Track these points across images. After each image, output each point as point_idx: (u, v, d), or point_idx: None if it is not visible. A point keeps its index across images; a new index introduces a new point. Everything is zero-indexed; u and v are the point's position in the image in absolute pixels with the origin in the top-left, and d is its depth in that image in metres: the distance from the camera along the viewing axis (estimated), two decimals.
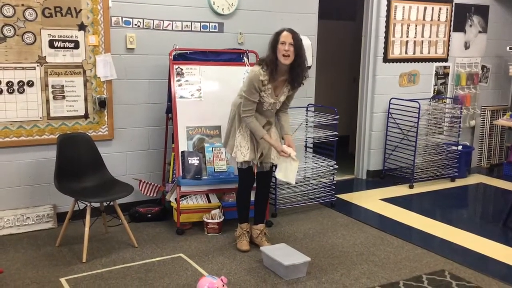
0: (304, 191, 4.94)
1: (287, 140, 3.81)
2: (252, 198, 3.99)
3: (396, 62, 5.88)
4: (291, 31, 3.56)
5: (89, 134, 4.19)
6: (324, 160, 4.94)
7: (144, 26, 4.45)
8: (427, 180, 5.81)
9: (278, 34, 3.57)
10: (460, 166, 5.97)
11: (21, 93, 4.05)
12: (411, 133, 5.67)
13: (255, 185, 3.96)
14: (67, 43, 4.14)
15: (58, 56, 4.13)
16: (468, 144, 6.48)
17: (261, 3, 4.95)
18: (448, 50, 6.24)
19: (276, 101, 3.71)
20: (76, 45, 4.18)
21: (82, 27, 4.18)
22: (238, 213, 3.97)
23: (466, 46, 6.42)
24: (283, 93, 3.73)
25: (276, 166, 3.86)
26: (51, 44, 4.09)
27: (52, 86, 4.15)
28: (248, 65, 4.53)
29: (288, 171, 3.72)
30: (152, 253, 3.79)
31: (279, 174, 3.77)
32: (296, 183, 4.92)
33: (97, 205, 3.95)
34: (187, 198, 4.25)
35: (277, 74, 3.61)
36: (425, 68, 6.11)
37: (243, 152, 3.71)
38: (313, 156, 5.10)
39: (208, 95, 4.41)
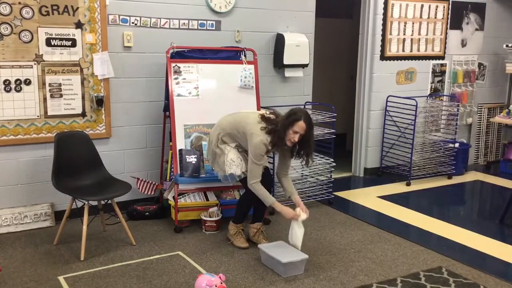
0: (301, 188, 4.94)
1: (296, 200, 3.78)
2: None
3: (393, 60, 5.89)
4: (307, 121, 3.52)
5: (86, 133, 4.19)
6: (321, 157, 4.95)
7: (142, 24, 4.44)
8: (424, 178, 5.83)
9: (295, 120, 3.51)
10: (457, 164, 5.99)
11: (18, 91, 4.04)
12: (408, 130, 5.68)
13: None
14: (64, 41, 4.14)
15: (55, 54, 4.12)
16: (465, 141, 6.49)
17: (259, 1, 4.95)
18: (445, 47, 6.25)
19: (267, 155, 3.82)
20: (73, 43, 4.18)
21: (79, 25, 4.17)
22: (237, 214, 3.96)
23: (463, 44, 6.43)
24: (276, 154, 3.80)
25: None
26: (48, 42, 4.08)
27: (50, 85, 4.14)
28: (245, 63, 4.53)
29: (294, 236, 3.65)
30: (150, 251, 3.79)
31: (291, 239, 3.68)
32: (293, 180, 4.94)
33: (95, 203, 3.95)
34: (185, 196, 4.25)
35: (277, 149, 3.68)
36: (422, 66, 6.13)
37: (237, 165, 3.74)
38: None
39: (206, 93, 4.41)
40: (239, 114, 3.86)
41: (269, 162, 3.99)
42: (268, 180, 3.96)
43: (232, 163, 3.74)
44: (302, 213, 3.63)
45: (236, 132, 3.74)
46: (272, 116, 3.67)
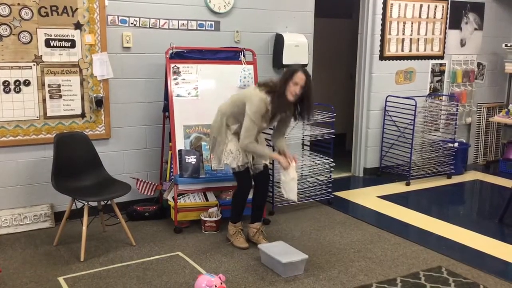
0: (301, 189, 4.94)
1: (283, 151, 3.82)
2: (250, 197, 4.00)
3: (392, 60, 5.89)
4: (306, 74, 3.56)
5: (86, 133, 4.19)
6: (321, 158, 4.95)
7: (141, 25, 4.44)
8: (424, 177, 5.83)
9: (293, 73, 3.54)
10: (456, 163, 5.99)
11: (17, 92, 4.04)
12: (407, 130, 5.69)
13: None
14: (63, 42, 4.14)
15: (55, 55, 4.12)
16: (464, 141, 6.50)
17: (258, 2, 4.95)
18: (444, 47, 6.26)
19: (266, 126, 3.77)
20: (73, 44, 4.18)
21: (78, 26, 4.17)
22: (233, 213, 3.97)
23: (462, 44, 6.44)
24: (276, 119, 3.78)
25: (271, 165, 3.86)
26: (48, 43, 4.08)
27: (49, 85, 4.14)
28: (244, 63, 4.54)
29: (288, 190, 3.72)
30: (150, 252, 3.79)
31: (286, 193, 3.76)
32: None
33: (94, 204, 3.96)
34: (185, 196, 4.25)
35: (280, 107, 3.64)
36: (421, 66, 6.13)
37: (235, 157, 3.74)
38: (310, 154, 5.10)
39: (205, 94, 4.41)
40: (235, 94, 3.92)
41: (269, 163, 3.97)
42: (264, 179, 3.96)
43: (229, 154, 3.74)
44: (292, 163, 3.68)
45: (236, 109, 3.72)
46: (269, 82, 3.68)
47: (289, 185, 3.69)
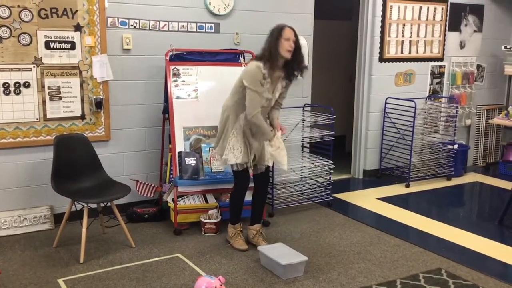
0: (301, 190, 4.95)
1: (275, 123, 3.85)
2: (249, 198, 4.00)
3: (392, 62, 5.89)
4: (291, 27, 3.62)
5: (85, 135, 4.19)
6: (320, 159, 4.95)
7: (140, 27, 4.45)
8: (423, 179, 5.83)
9: (280, 30, 3.59)
10: (456, 165, 5.99)
11: (17, 94, 4.04)
12: (407, 132, 5.69)
13: (251, 185, 3.96)
14: (63, 44, 4.14)
15: (54, 57, 4.13)
16: (464, 143, 6.50)
17: (257, 4, 4.96)
18: (443, 49, 6.27)
19: (272, 97, 3.72)
20: (72, 46, 4.18)
21: (78, 28, 4.18)
22: (231, 214, 3.97)
23: (462, 46, 6.44)
24: (277, 90, 3.74)
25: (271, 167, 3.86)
26: (47, 45, 4.09)
27: (49, 87, 4.14)
28: (244, 65, 4.53)
29: (278, 159, 3.76)
30: (149, 254, 3.79)
31: (276, 162, 3.82)
32: (292, 182, 4.96)
33: (94, 206, 3.95)
34: (184, 198, 4.25)
35: (275, 68, 3.63)
36: (421, 68, 6.13)
37: (235, 155, 3.69)
38: (309, 155, 5.11)
39: (205, 96, 4.41)
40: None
41: (266, 166, 3.96)
42: (265, 181, 3.96)
43: (231, 150, 3.70)
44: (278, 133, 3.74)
45: (238, 95, 3.66)
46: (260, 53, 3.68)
47: (279, 155, 3.71)
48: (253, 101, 3.57)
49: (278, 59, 3.59)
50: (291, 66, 3.66)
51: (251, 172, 3.85)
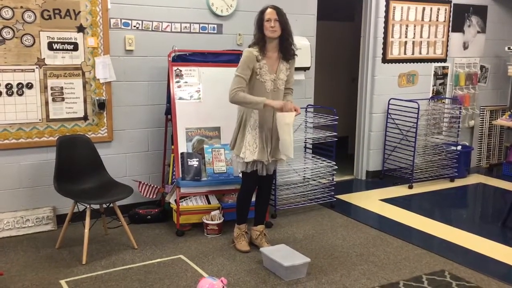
0: (303, 192, 4.94)
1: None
2: (253, 199, 3.99)
3: (395, 63, 5.88)
4: (274, 7, 3.65)
5: (88, 136, 4.19)
6: (323, 160, 4.95)
7: (143, 28, 4.45)
8: (427, 180, 5.82)
9: (262, 12, 3.66)
10: (459, 166, 5.97)
11: (20, 95, 4.05)
12: (410, 133, 5.67)
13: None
14: (66, 45, 4.15)
15: (57, 58, 4.13)
16: (467, 144, 6.48)
17: (260, 4, 4.88)
18: (446, 50, 6.25)
19: (276, 78, 3.70)
20: (75, 47, 4.19)
21: (81, 29, 4.18)
22: (237, 215, 3.96)
23: (465, 47, 6.43)
24: (281, 70, 3.73)
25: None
26: (50, 46, 4.09)
27: (51, 88, 4.15)
28: None
29: (284, 146, 3.63)
30: (152, 255, 3.79)
31: (282, 150, 3.67)
32: (295, 184, 4.95)
33: (96, 207, 3.95)
34: (187, 199, 4.25)
35: (268, 50, 3.66)
36: (424, 69, 6.12)
37: (252, 151, 3.66)
38: (312, 157, 5.10)
39: (207, 97, 4.41)
40: None
41: (275, 167, 3.94)
42: (268, 182, 3.95)
43: (247, 147, 3.67)
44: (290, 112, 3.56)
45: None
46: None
47: (287, 141, 3.56)
48: (234, 84, 3.59)
49: (267, 41, 3.64)
50: (281, 48, 3.70)
51: (263, 173, 3.78)
